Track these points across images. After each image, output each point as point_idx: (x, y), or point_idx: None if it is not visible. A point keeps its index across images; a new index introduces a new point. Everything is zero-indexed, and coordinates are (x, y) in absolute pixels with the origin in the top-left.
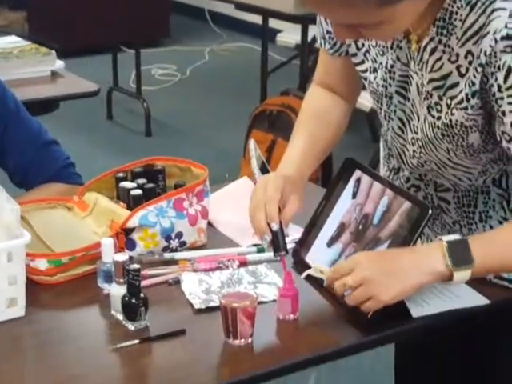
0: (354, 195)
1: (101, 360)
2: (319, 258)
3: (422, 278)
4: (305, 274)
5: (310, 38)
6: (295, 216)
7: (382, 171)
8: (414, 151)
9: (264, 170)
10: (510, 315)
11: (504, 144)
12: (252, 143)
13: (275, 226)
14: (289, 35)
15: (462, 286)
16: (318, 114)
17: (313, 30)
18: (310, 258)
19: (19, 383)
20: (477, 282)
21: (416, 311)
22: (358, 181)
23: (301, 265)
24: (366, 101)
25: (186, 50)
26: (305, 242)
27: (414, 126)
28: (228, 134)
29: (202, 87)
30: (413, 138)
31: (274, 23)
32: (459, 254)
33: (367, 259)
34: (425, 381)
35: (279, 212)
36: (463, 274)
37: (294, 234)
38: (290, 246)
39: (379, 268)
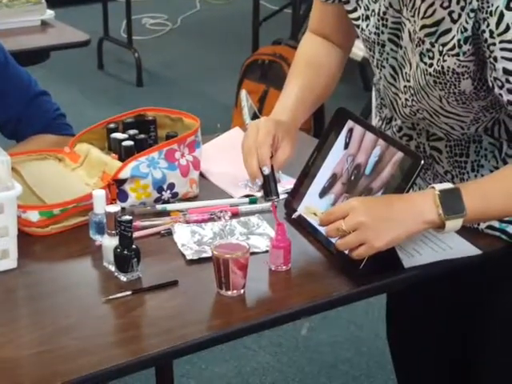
0: (347, 146)
1: (93, 311)
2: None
3: (414, 226)
4: (297, 213)
5: None
6: (287, 163)
7: (375, 121)
8: (406, 100)
9: (255, 118)
10: (503, 265)
11: (496, 90)
12: (244, 93)
13: (266, 170)
14: None
15: (454, 237)
16: (312, 61)
17: None
18: (301, 209)
19: (12, 335)
20: (469, 233)
21: (408, 261)
22: (351, 131)
23: (292, 214)
24: (357, 49)
25: None
26: (297, 193)
27: (406, 73)
28: (220, 84)
29: (194, 37)
30: (405, 87)
31: None
32: (451, 204)
33: (362, 204)
34: (417, 324)
35: (271, 157)
36: (455, 223)
37: (286, 184)
38: (282, 196)
39: (374, 214)
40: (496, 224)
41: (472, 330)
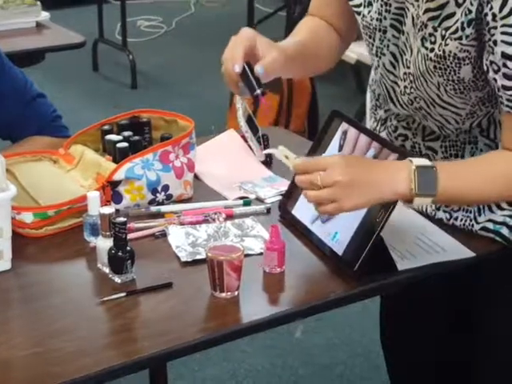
0: (341, 148)
1: (87, 313)
2: (306, 210)
3: (385, 194)
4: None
5: None
6: (272, 74)
7: (369, 123)
8: (405, 87)
9: (250, 122)
10: (497, 267)
11: (490, 74)
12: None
13: (237, 68)
14: None
15: (447, 239)
16: (313, 30)
17: None
18: (296, 210)
19: (5, 336)
20: (463, 235)
21: (402, 264)
22: (345, 133)
23: (288, 217)
24: (351, 52)
25: (171, 2)
26: (291, 195)
27: (406, 60)
28: (214, 86)
29: (188, 39)
30: (405, 73)
31: None
32: (425, 182)
33: (343, 162)
34: (411, 327)
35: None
36: (423, 201)
37: (280, 186)
38: (277, 198)
39: (352, 175)
40: (490, 225)
41: (468, 332)
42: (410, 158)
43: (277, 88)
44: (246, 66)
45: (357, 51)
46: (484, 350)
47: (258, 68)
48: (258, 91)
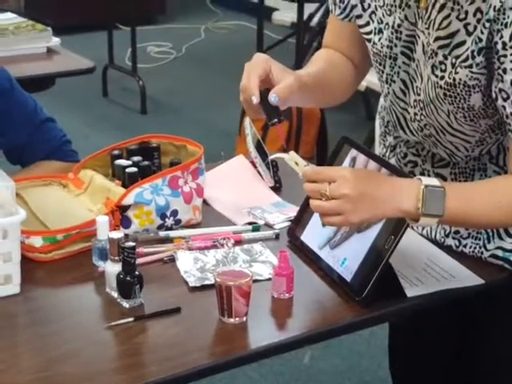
0: None
1: (95, 337)
2: (314, 236)
3: (391, 211)
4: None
5: (305, 16)
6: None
7: (378, 149)
8: (415, 114)
9: (259, 148)
10: (505, 294)
11: (499, 102)
12: (247, 121)
13: (255, 99)
14: (285, 13)
15: (457, 266)
16: (329, 61)
17: (309, 8)
18: (305, 236)
19: (14, 360)
20: (472, 262)
21: (410, 290)
22: (354, 160)
23: (297, 243)
24: None
25: (181, 28)
26: (300, 221)
27: (416, 87)
28: (223, 112)
29: (198, 65)
30: (415, 100)
31: (270, 1)
32: (433, 203)
33: (353, 176)
34: (420, 355)
35: (269, 89)
36: (429, 221)
37: (289, 212)
38: (285, 224)
39: (360, 189)
40: (499, 253)
41: (478, 360)
42: (420, 177)
43: (286, 114)
44: (263, 95)
45: (367, 78)
46: (490, 376)
47: (271, 97)
48: (274, 120)
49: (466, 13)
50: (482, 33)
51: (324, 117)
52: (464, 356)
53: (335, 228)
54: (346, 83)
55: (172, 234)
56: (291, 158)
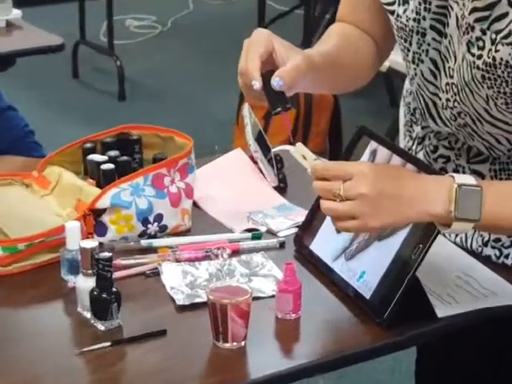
0: None
1: (64, 365)
2: (326, 245)
3: (417, 214)
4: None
5: None
6: (292, 84)
7: (403, 142)
8: (447, 100)
9: (261, 140)
10: None
11: None
12: (246, 108)
13: (257, 85)
14: None
15: (497, 281)
16: (343, 36)
17: None
18: (315, 246)
19: None
20: None
21: (442, 310)
22: (374, 154)
23: (305, 254)
24: None
25: None
26: (309, 228)
27: (449, 68)
28: (217, 97)
29: (186, 42)
30: (447, 84)
31: None
32: (468, 205)
33: (372, 172)
34: (451, 382)
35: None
36: (463, 226)
37: (296, 217)
38: (292, 231)
39: (380, 188)
40: None
41: None
42: (452, 174)
43: (293, 101)
44: (265, 78)
45: (390, 57)
46: None
47: (275, 82)
48: (279, 108)
49: None
50: None
51: (338, 103)
52: (502, 375)
53: (351, 235)
54: (365, 64)
55: (156, 242)
56: (298, 152)
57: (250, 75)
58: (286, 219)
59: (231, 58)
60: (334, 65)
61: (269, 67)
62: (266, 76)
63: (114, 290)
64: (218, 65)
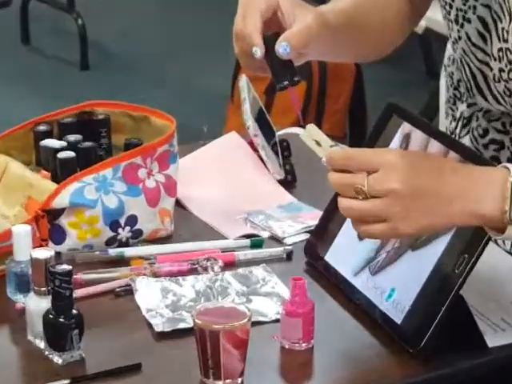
0: None
1: None
2: (346, 255)
3: (462, 217)
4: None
5: None
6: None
7: (444, 123)
8: (500, 70)
9: (262, 121)
10: None
11: None
12: (244, 81)
13: (258, 52)
14: None
15: None
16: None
17: None
18: (331, 256)
19: None
20: None
21: (494, 338)
22: (406, 138)
23: (319, 266)
24: None
25: None
26: (323, 233)
27: (502, 29)
28: (206, 67)
29: None
30: (500, 50)
31: None
32: None
33: (405, 163)
34: None
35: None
36: None
37: (307, 218)
38: (302, 237)
39: (416, 183)
40: None
41: None
42: (507, 165)
43: (303, 72)
44: (268, 43)
45: (427, 15)
46: None
47: (280, 48)
48: (285, 82)
49: None
50: None
51: (361, 74)
52: None
53: (377, 243)
54: (394, 24)
55: (128, 252)
56: (310, 136)
57: (249, 39)
58: (294, 222)
59: (224, 16)
60: (354, 25)
61: (273, 29)
62: (270, 40)
63: (74, 312)
64: (206, 25)
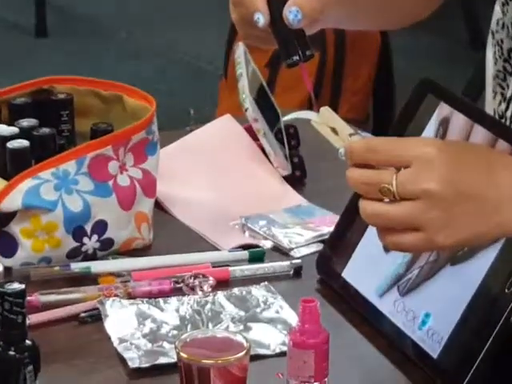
0: None
1: None
2: (369, 272)
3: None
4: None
5: None
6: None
7: (492, 104)
8: None
9: (263, 99)
10: None
11: None
12: (242, 51)
13: (261, 19)
14: None
15: None
16: None
17: None
18: (350, 273)
19: None
20: None
21: None
22: (445, 124)
23: (335, 285)
24: None
25: None
26: (340, 244)
27: None
28: (191, 33)
29: None
30: None
31: None
32: None
33: (444, 156)
34: None
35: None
36: None
37: (319, 225)
38: (313, 249)
39: (457, 182)
40: None
41: None
42: None
43: (316, 43)
44: (274, 9)
45: None
46: None
47: (289, 14)
48: (295, 57)
49: None
50: None
51: (388, 45)
52: None
53: (408, 256)
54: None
55: (96, 266)
56: (324, 121)
57: (250, 3)
58: (303, 229)
59: None
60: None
61: None
62: (276, 4)
63: (28, 343)
64: None
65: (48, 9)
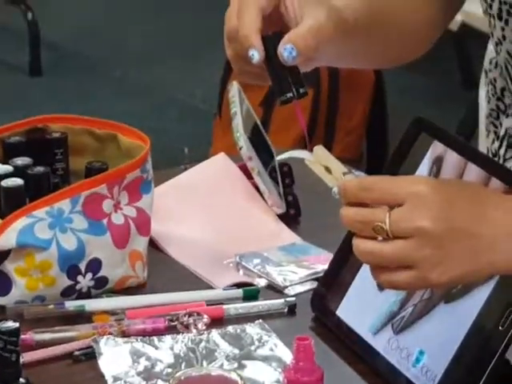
0: None
1: None
2: (363, 310)
3: (507, 263)
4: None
5: None
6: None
7: (485, 143)
8: None
9: (257, 138)
10: None
11: None
12: (236, 90)
13: (256, 56)
14: None
15: None
16: None
17: None
18: (344, 311)
19: None
20: None
21: None
22: (439, 161)
23: (329, 323)
24: None
25: None
26: (335, 282)
27: None
28: (186, 72)
29: None
30: None
31: None
32: None
33: (437, 195)
34: None
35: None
36: None
37: (314, 263)
38: (307, 287)
39: (451, 220)
40: None
41: None
42: None
43: (311, 80)
44: (268, 45)
45: (464, 9)
46: None
47: (284, 52)
48: (289, 94)
49: None
50: None
51: (382, 82)
52: None
53: (402, 295)
54: (422, 20)
55: (90, 305)
56: (318, 160)
57: (245, 40)
58: (298, 267)
59: (212, 11)
60: (378, 22)
61: (274, 28)
62: (271, 42)
63: (22, 382)
64: (189, 20)
65: (42, 47)
